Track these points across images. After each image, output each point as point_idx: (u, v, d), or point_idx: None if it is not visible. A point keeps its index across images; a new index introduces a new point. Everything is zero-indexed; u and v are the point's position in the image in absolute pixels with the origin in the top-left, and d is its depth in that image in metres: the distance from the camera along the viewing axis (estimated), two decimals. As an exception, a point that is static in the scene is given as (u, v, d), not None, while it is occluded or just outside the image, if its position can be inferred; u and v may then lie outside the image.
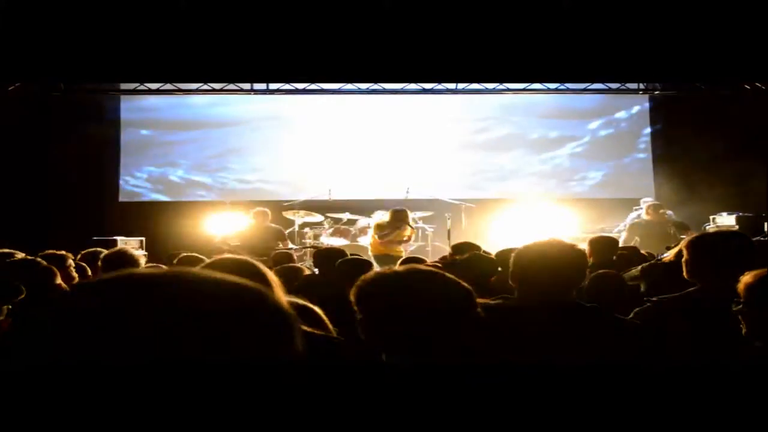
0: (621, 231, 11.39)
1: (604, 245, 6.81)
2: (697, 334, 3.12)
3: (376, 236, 10.99)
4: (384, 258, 10.35)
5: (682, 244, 3.68)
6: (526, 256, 3.23)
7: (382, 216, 11.36)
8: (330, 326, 2.97)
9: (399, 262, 6.57)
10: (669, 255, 6.12)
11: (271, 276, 2.79)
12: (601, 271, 4.98)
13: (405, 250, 10.99)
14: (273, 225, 11.51)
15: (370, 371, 2.26)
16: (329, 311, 3.04)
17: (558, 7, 10.66)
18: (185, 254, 6.34)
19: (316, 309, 2.97)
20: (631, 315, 3.36)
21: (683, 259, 3.52)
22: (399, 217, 10.95)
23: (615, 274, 5.08)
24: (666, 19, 10.68)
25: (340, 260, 5.77)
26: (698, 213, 11.78)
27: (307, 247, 11.69)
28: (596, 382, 2.00)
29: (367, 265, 5.68)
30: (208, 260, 2.94)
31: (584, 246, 4.81)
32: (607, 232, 11.65)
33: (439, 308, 2.19)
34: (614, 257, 6.67)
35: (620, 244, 10.03)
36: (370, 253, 10.83)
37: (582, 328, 3.01)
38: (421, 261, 5.94)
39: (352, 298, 2.29)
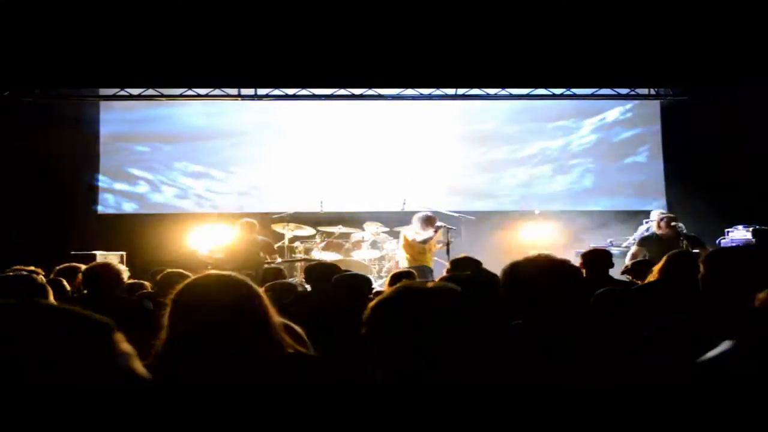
0: (630, 245, 11.38)
1: (597, 258, 6.80)
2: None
3: (417, 243, 11.11)
4: (423, 269, 10.48)
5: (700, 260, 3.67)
6: (514, 273, 3.24)
7: (413, 225, 11.43)
8: (309, 344, 2.99)
9: (389, 276, 6.56)
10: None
11: (260, 292, 2.79)
12: (607, 287, 4.98)
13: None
14: (261, 237, 11.48)
15: (350, 390, 2.29)
16: (323, 328, 3.04)
17: (562, 8, 10.67)
18: (168, 271, 6.32)
19: (296, 327, 2.97)
20: (645, 334, 3.37)
21: (699, 276, 3.52)
22: (432, 221, 11.17)
23: (620, 290, 5.08)
24: (678, 22, 10.71)
25: (335, 276, 5.78)
26: (712, 226, 11.77)
27: (298, 261, 11.68)
28: (600, 406, 2.01)
29: (365, 280, 5.69)
30: (191, 277, 2.92)
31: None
32: (615, 246, 11.66)
33: (462, 325, 2.23)
34: (608, 271, 6.69)
35: (629, 260, 10.09)
36: (405, 266, 10.92)
37: (583, 347, 3.02)
38: (411, 276, 5.95)
39: (369, 312, 2.33)
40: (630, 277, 7.39)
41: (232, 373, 2.52)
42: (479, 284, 5.05)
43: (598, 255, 6.94)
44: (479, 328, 2.25)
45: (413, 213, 12.20)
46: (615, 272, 7.16)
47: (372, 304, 2.35)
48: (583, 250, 7.60)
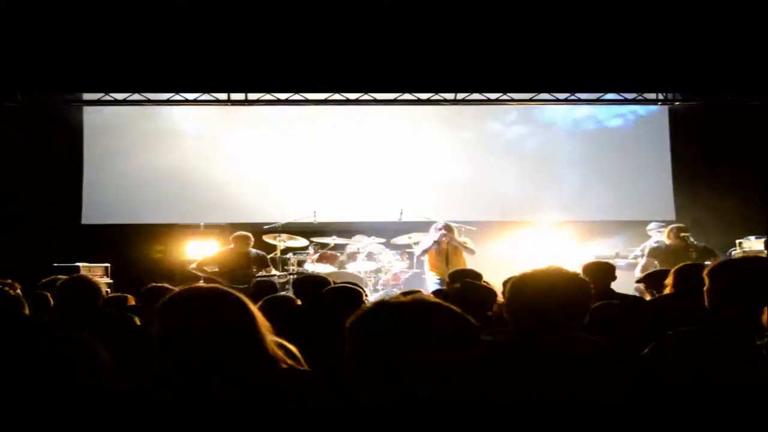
0: (638, 256, 11.37)
1: (599, 271, 6.79)
2: (719, 370, 3.12)
3: (419, 255, 11.34)
4: (442, 281, 10.56)
5: (704, 272, 3.67)
6: (521, 286, 3.25)
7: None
8: (302, 360, 2.99)
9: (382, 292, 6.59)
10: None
11: (252, 307, 2.79)
12: (605, 301, 4.98)
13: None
14: (254, 251, 11.52)
15: (341, 409, 2.29)
16: (314, 343, 3.05)
17: (565, 9, 10.68)
18: (153, 284, 6.32)
19: (287, 344, 2.97)
20: (647, 350, 3.37)
21: (705, 289, 3.53)
22: (438, 228, 11.32)
23: (618, 305, 5.10)
24: (686, 24, 10.72)
25: (326, 288, 5.78)
26: (723, 237, 11.78)
27: (291, 274, 11.68)
28: (603, 423, 2.01)
29: (357, 293, 5.69)
30: (176, 290, 2.92)
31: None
32: (622, 257, 11.66)
33: (442, 342, 2.21)
34: (611, 284, 6.70)
35: (639, 271, 10.10)
36: (431, 276, 11.15)
37: (587, 363, 3.02)
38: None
39: (348, 326, 2.31)
40: (644, 288, 7.38)
41: (224, 390, 2.52)
42: (466, 298, 5.06)
43: (599, 268, 6.94)
44: (460, 344, 2.24)
45: (410, 223, 12.24)
46: (619, 285, 7.15)
47: (349, 322, 2.34)
48: (586, 261, 7.59)
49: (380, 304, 2.34)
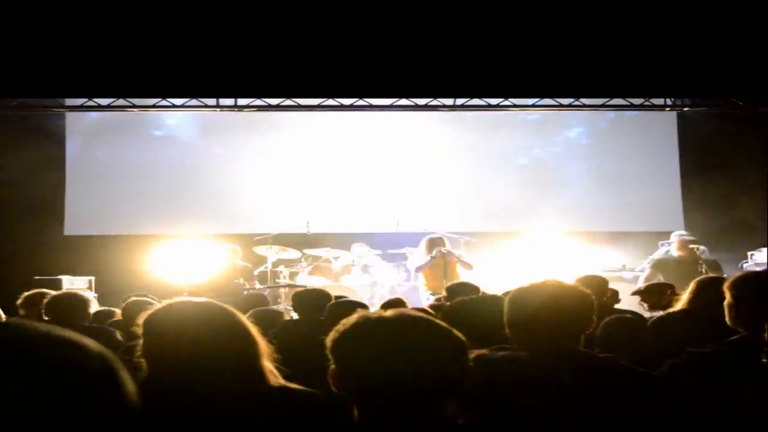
0: (645, 269, 11.36)
1: (591, 286, 6.76)
2: (739, 391, 3.09)
3: (415, 271, 11.38)
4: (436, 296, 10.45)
5: (725, 285, 3.61)
6: (520, 299, 3.23)
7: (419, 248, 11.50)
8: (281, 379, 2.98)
9: (381, 305, 6.57)
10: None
11: (246, 322, 2.78)
12: (614, 315, 4.96)
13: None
14: (241, 263, 11.55)
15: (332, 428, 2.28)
16: (313, 360, 3.02)
17: (568, 11, 10.67)
18: (135, 298, 6.30)
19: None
20: (664, 368, 3.34)
21: (725, 303, 3.48)
22: (433, 245, 11.09)
23: (628, 319, 5.07)
24: (697, 26, 10.72)
25: (330, 304, 5.77)
26: (734, 248, 11.77)
27: (282, 287, 11.65)
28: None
29: (362, 309, 5.67)
30: (161, 304, 2.90)
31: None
32: (628, 270, 11.66)
33: (424, 362, 2.18)
34: (605, 299, 6.67)
35: (642, 283, 10.06)
36: (424, 292, 11.06)
37: (593, 383, 3.00)
38: (401, 303, 5.94)
39: (328, 344, 2.30)
40: (640, 300, 7.36)
41: (215, 409, 2.50)
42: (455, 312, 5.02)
43: (592, 283, 6.92)
44: (447, 361, 2.21)
45: (407, 234, 12.21)
46: (625, 300, 7.13)
47: (330, 340, 2.32)
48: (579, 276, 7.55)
49: (361, 321, 2.32)
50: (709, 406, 3.13)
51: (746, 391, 3.06)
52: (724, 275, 9.32)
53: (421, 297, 11.36)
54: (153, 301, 5.93)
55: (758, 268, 10.76)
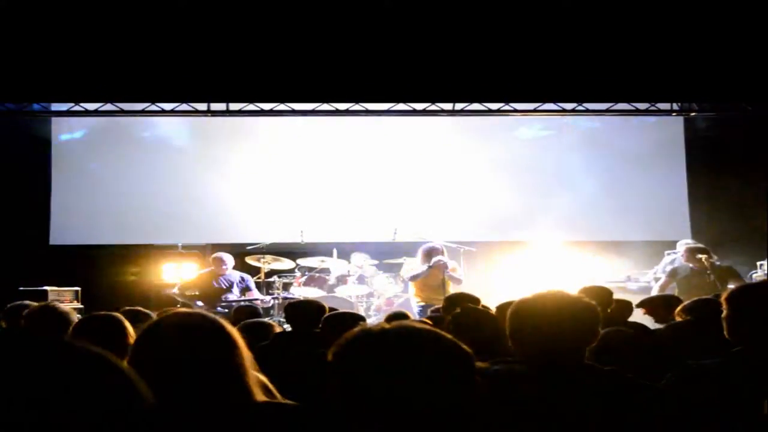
0: (651, 280, 11.34)
1: (595, 296, 6.74)
2: (739, 405, 3.08)
3: (409, 280, 11.22)
4: (425, 308, 10.38)
5: (722, 298, 3.60)
6: (523, 311, 3.21)
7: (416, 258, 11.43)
8: (277, 396, 2.95)
9: (385, 318, 6.55)
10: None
11: (234, 334, 2.75)
12: (613, 327, 4.95)
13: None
14: (235, 272, 11.56)
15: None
16: (308, 374, 3.00)
17: (572, 14, 10.65)
18: (126, 309, 6.26)
19: (262, 377, 2.92)
20: (664, 381, 3.32)
21: (723, 316, 3.46)
22: (430, 255, 11.00)
23: (626, 331, 5.07)
24: (703, 29, 10.71)
25: (325, 316, 5.75)
26: (743, 258, 11.75)
27: (276, 298, 11.64)
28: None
29: (358, 321, 5.64)
30: (154, 316, 2.88)
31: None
32: (634, 280, 11.63)
33: (432, 375, 2.15)
34: (609, 310, 6.64)
35: (656, 291, 10.06)
36: (415, 303, 10.96)
37: (595, 395, 2.98)
38: (405, 317, 5.91)
39: (330, 358, 2.26)
40: (645, 312, 7.33)
41: (197, 423, 2.48)
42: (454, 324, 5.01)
43: (596, 294, 6.90)
44: (453, 376, 2.18)
45: (405, 244, 12.17)
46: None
47: (330, 354, 2.29)
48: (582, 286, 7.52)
49: (362, 334, 2.29)
50: (709, 419, 3.12)
51: (743, 404, 3.06)
52: (740, 283, 9.33)
53: (412, 305, 11.30)
54: (146, 312, 5.92)
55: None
